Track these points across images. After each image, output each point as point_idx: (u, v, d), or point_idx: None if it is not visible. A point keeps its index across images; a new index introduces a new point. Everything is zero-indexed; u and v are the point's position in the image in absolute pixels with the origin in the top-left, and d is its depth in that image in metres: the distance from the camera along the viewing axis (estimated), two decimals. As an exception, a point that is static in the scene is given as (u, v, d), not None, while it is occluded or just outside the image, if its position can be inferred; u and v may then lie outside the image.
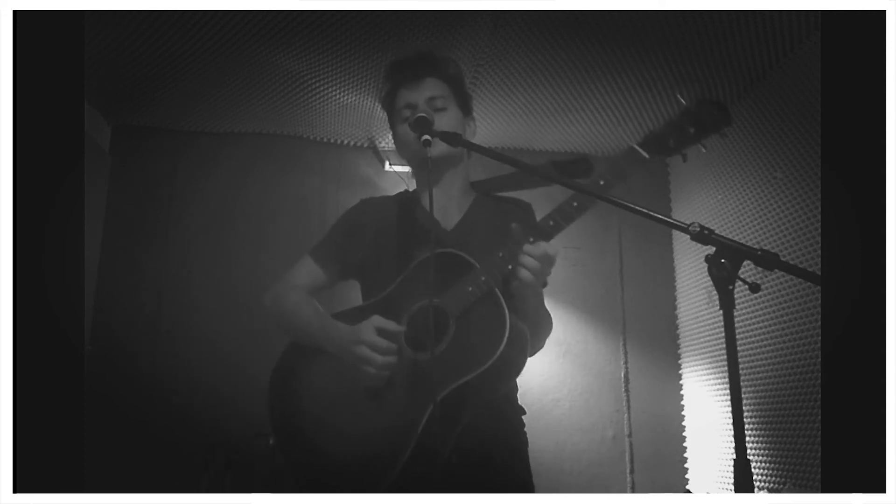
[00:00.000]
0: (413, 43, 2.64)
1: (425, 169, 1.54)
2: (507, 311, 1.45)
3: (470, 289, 1.48)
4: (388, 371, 1.48)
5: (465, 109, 1.77)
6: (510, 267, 1.46)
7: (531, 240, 1.46)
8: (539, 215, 1.56)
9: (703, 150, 1.42)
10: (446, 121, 1.66)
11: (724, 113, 1.38)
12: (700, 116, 1.38)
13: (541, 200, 1.63)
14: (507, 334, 1.43)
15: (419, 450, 1.41)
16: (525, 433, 1.73)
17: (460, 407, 1.47)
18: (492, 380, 1.49)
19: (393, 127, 1.80)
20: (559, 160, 1.59)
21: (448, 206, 1.73)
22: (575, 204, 1.47)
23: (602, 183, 1.46)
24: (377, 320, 1.50)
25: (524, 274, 1.44)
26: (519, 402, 1.74)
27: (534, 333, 1.62)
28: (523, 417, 1.73)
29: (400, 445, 1.42)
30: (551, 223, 1.48)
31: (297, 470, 1.53)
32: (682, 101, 1.41)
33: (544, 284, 1.60)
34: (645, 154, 1.42)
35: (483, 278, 1.47)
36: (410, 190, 1.87)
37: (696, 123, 1.38)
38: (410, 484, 1.41)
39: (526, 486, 1.68)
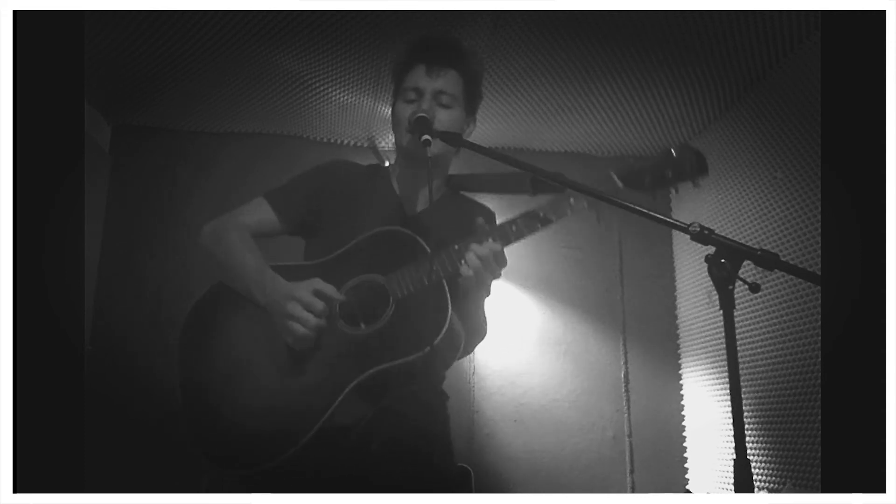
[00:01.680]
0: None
1: (424, 166, 1.52)
2: (449, 306, 1.43)
3: (417, 274, 1.47)
4: (315, 334, 1.44)
5: (470, 109, 1.74)
6: (461, 262, 1.45)
7: (489, 240, 1.46)
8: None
9: (675, 193, 1.49)
10: (446, 118, 1.63)
11: (702, 164, 1.42)
12: (680, 163, 1.42)
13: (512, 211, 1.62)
14: (445, 328, 1.41)
15: (330, 424, 1.39)
16: (447, 415, 1.68)
17: (380, 390, 1.46)
18: (418, 370, 1.47)
19: (394, 99, 1.74)
20: (537, 177, 1.58)
21: (418, 192, 1.71)
22: (542, 214, 1.48)
23: (571, 201, 1.47)
24: (316, 282, 1.46)
25: (464, 269, 1.43)
26: (443, 388, 1.70)
27: (467, 339, 1.60)
28: (446, 402, 1.68)
29: (311, 417, 1.39)
30: (514, 228, 1.48)
31: (195, 434, 1.48)
32: (673, 153, 1.44)
33: (487, 292, 1.58)
34: (620, 184, 1.46)
35: (434, 267, 1.46)
36: (384, 165, 1.84)
37: (675, 168, 1.43)
38: (314, 459, 1.39)
39: (448, 472, 1.63)
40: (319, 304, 1.44)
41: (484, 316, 1.66)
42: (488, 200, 1.81)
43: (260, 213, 1.67)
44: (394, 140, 1.74)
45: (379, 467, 1.47)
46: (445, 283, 1.46)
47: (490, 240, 1.46)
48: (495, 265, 1.45)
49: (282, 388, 1.46)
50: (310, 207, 1.68)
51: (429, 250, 1.48)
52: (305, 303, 1.44)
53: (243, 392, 1.47)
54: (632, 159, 1.50)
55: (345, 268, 1.54)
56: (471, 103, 1.73)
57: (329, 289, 1.47)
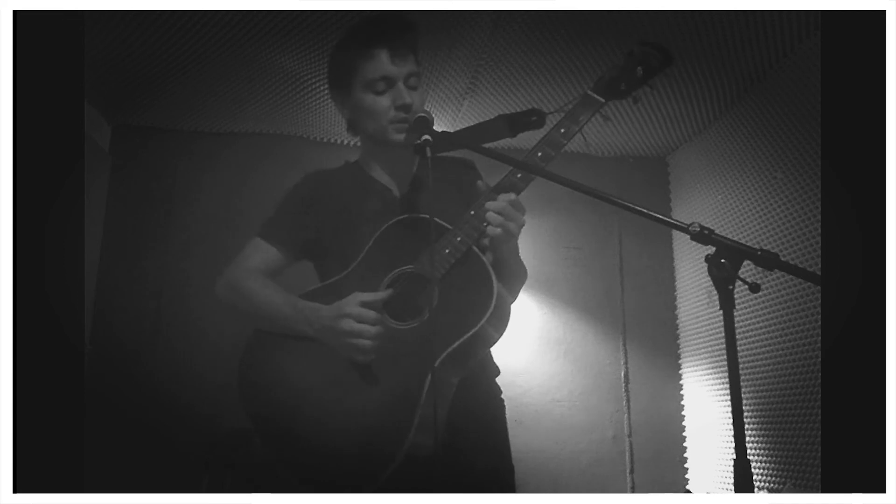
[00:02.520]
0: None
1: (425, 166, 1.51)
2: (491, 270, 1.43)
3: (447, 251, 1.45)
4: (377, 343, 1.42)
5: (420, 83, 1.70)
6: (484, 224, 1.44)
7: (518, 175, 1.46)
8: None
9: (650, 91, 1.55)
10: (418, 100, 1.60)
11: (666, 54, 1.51)
12: (646, 58, 1.50)
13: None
14: (495, 293, 1.41)
15: (422, 420, 1.36)
16: (502, 399, 1.68)
17: (452, 371, 1.44)
18: (482, 340, 1.45)
19: (352, 92, 1.62)
20: (511, 113, 1.58)
21: (395, 171, 1.70)
22: (539, 154, 1.48)
23: (563, 131, 1.50)
24: (357, 295, 1.44)
25: (490, 230, 1.43)
26: (494, 362, 1.70)
27: (509, 286, 1.58)
28: (498, 380, 1.68)
29: (404, 417, 1.36)
30: (518, 175, 1.47)
31: (292, 467, 1.46)
32: (636, 51, 1.52)
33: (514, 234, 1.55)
34: (601, 98, 1.51)
35: (458, 239, 1.44)
36: (352, 161, 1.80)
37: (643, 65, 1.50)
38: (415, 459, 1.35)
39: (504, 457, 1.62)
40: (371, 313, 1.42)
41: (520, 260, 1.66)
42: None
43: (262, 253, 1.65)
44: (361, 124, 1.67)
45: (452, 460, 1.45)
46: (477, 250, 1.46)
47: (501, 194, 1.46)
48: (517, 213, 1.45)
49: (357, 405, 1.43)
50: (303, 229, 1.66)
51: (446, 225, 1.47)
52: (357, 316, 1.42)
53: (317, 420, 1.45)
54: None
55: (372, 271, 1.52)
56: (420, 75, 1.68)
57: (372, 295, 1.45)
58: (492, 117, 1.51)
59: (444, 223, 1.48)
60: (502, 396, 1.67)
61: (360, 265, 1.54)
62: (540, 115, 1.45)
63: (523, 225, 1.48)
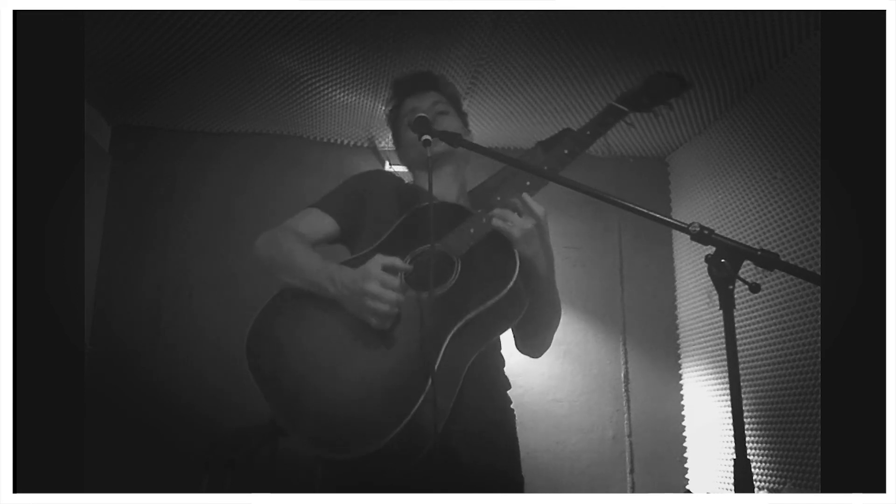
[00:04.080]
0: (413, 43, 2.64)
1: (425, 168, 1.54)
2: (516, 255, 1.47)
3: (472, 230, 1.50)
4: (396, 309, 1.43)
5: (464, 122, 1.86)
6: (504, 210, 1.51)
7: (527, 183, 1.52)
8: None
9: (667, 109, 1.70)
10: (448, 123, 1.73)
11: (682, 82, 1.68)
12: (666, 83, 1.67)
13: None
14: (517, 264, 1.45)
15: (436, 385, 1.35)
16: (512, 410, 1.71)
17: (469, 342, 1.46)
18: (498, 315, 1.48)
19: (397, 136, 1.87)
20: (544, 140, 1.67)
21: (445, 196, 1.74)
22: (566, 151, 1.56)
23: (588, 133, 1.59)
24: (382, 258, 1.46)
25: (496, 223, 1.47)
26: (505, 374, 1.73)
27: (538, 320, 1.65)
28: (509, 393, 1.71)
29: (417, 383, 1.36)
30: (528, 182, 1.53)
31: (297, 425, 1.42)
32: (658, 76, 1.70)
33: (550, 266, 1.59)
34: (625, 108, 1.63)
35: (483, 219, 1.50)
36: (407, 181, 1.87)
37: (665, 88, 1.67)
38: (425, 425, 1.35)
39: (514, 463, 1.71)
40: (395, 280, 1.43)
41: (556, 296, 1.68)
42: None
43: (314, 219, 1.68)
44: (403, 159, 1.88)
45: (457, 459, 1.48)
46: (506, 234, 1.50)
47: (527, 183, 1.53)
48: (528, 208, 1.49)
49: (376, 368, 1.43)
50: (358, 209, 1.70)
51: (472, 210, 1.54)
52: (380, 279, 1.42)
53: (337, 381, 1.43)
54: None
55: (399, 245, 1.55)
56: (462, 116, 1.86)
57: (396, 260, 1.47)
58: (529, 147, 1.63)
59: (469, 208, 1.56)
60: (512, 407, 1.70)
61: (388, 240, 1.59)
62: (568, 134, 1.57)
63: (542, 222, 1.51)
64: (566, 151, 1.56)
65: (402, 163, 1.90)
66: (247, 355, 1.51)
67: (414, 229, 1.57)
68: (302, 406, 1.43)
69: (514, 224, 1.47)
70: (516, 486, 1.66)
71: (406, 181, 1.85)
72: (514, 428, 1.70)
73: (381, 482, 1.41)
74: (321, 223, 1.68)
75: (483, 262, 1.48)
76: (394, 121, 1.89)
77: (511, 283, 1.43)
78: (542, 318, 1.66)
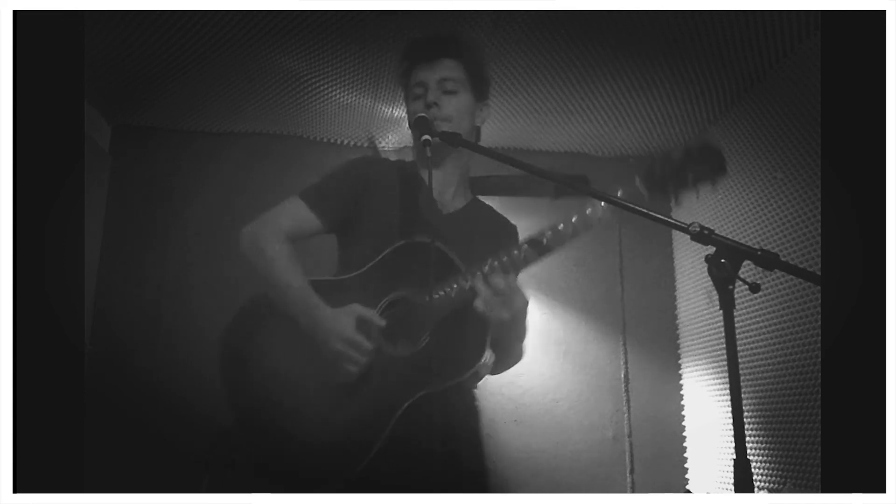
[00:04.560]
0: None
1: (425, 167, 1.53)
2: (487, 338, 1.46)
3: (453, 295, 1.48)
4: (363, 371, 1.46)
5: (479, 94, 1.75)
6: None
7: (523, 255, 1.47)
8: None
9: (696, 198, 1.49)
10: (454, 104, 1.65)
11: (721, 163, 1.43)
12: (700, 164, 1.42)
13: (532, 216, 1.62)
14: (486, 351, 1.46)
15: (384, 445, 1.42)
16: (477, 408, 1.71)
17: (428, 407, 1.47)
18: (456, 388, 1.50)
19: (406, 103, 1.78)
20: (562, 178, 1.59)
21: (446, 191, 1.72)
22: (573, 224, 1.48)
23: (599, 217, 1.48)
24: (358, 309, 1.46)
25: (479, 306, 1.43)
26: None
27: (499, 358, 1.64)
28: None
29: (368, 438, 1.42)
30: (524, 255, 1.48)
31: (260, 453, 1.49)
32: (694, 153, 1.42)
33: (523, 328, 1.59)
34: (646, 193, 1.46)
35: (468, 287, 1.46)
36: (408, 161, 1.84)
37: (696, 171, 1.44)
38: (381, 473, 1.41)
39: (480, 472, 1.68)
40: (365, 344, 1.45)
41: (520, 348, 1.67)
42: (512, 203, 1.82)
43: (298, 214, 1.63)
44: (395, 140, 1.76)
45: (387, 465, 1.48)
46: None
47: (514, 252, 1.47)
48: (510, 298, 1.44)
49: (332, 416, 1.47)
50: (347, 203, 1.66)
51: (460, 267, 1.49)
52: (352, 342, 1.44)
53: (296, 417, 1.48)
54: (653, 161, 1.46)
55: (379, 280, 1.54)
56: (478, 87, 1.74)
57: (370, 314, 1.47)
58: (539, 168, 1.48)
59: (457, 261, 1.50)
60: (476, 405, 1.70)
61: (369, 271, 1.55)
62: (586, 183, 1.43)
63: (519, 309, 1.47)
64: (573, 224, 1.48)
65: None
66: (221, 359, 1.54)
67: (399, 265, 1.54)
68: (264, 434, 1.48)
69: (493, 311, 1.43)
70: (478, 475, 1.66)
71: (407, 160, 1.82)
72: (478, 426, 1.69)
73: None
74: (305, 220, 1.64)
75: (455, 332, 1.48)
76: (404, 88, 1.79)
77: (473, 370, 1.44)
78: (503, 364, 1.68)
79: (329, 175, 1.71)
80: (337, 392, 1.48)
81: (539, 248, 1.47)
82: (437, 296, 1.48)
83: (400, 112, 3.23)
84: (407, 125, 1.75)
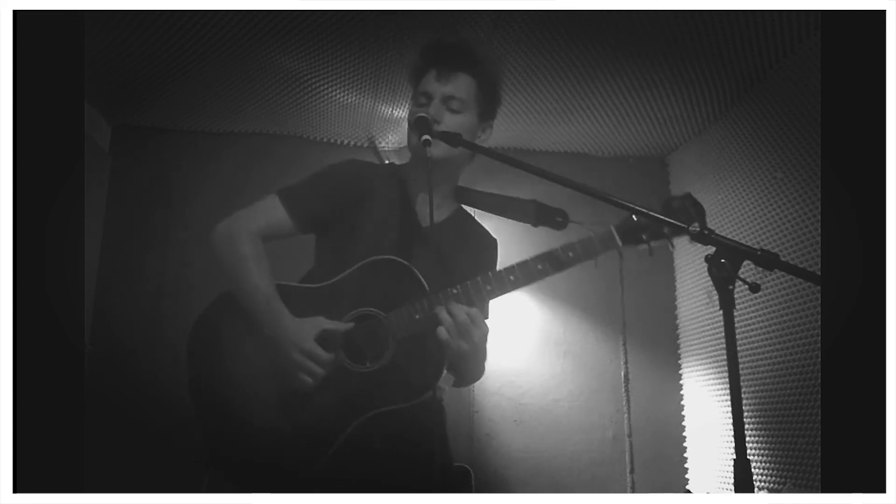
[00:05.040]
0: (413, 43, 2.64)
1: (425, 168, 1.52)
2: (445, 357, 1.47)
3: (417, 316, 1.49)
4: (318, 382, 1.48)
5: (485, 115, 1.70)
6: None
7: (488, 287, 1.47)
8: (514, 251, 1.57)
9: (672, 248, 1.47)
10: (455, 123, 1.61)
11: (701, 215, 1.34)
12: (678, 216, 1.33)
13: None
14: (440, 376, 1.49)
15: (339, 452, 1.46)
16: (443, 408, 1.71)
17: (374, 427, 1.49)
18: (411, 408, 1.51)
19: (411, 102, 1.75)
20: (544, 205, 1.60)
21: (426, 200, 1.69)
22: (539, 267, 1.53)
23: (571, 255, 1.55)
24: (321, 322, 1.49)
25: (442, 335, 1.42)
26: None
27: (459, 374, 1.65)
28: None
29: (319, 448, 1.46)
30: (489, 287, 1.48)
31: (216, 441, 1.56)
32: (673, 205, 1.37)
33: (482, 354, 1.57)
34: (619, 242, 1.48)
35: (431, 311, 1.46)
36: (397, 164, 1.83)
37: (671, 224, 1.34)
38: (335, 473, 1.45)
39: (447, 469, 1.68)
40: (325, 356, 1.47)
41: (481, 369, 1.67)
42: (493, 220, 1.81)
43: (273, 214, 1.62)
44: (395, 140, 1.76)
45: (380, 465, 1.51)
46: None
47: (488, 287, 1.47)
48: (471, 329, 1.42)
49: (286, 418, 1.50)
50: (324, 206, 1.65)
51: (426, 287, 1.50)
52: (310, 354, 1.46)
53: (250, 412, 1.52)
54: (632, 216, 1.46)
55: (346, 294, 1.55)
56: (486, 108, 1.69)
57: (333, 327, 1.49)
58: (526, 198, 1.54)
59: (425, 284, 1.50)
60: (444, 404, 1.70)
61: (338, 284, 1.56)
62: (565, 218, 1.44)
63: (482, 338, 1.46)
64: (539, 267, 1.52)
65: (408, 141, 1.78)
66: (187, 362, 1.59)
67: (369, 280, 1.54)
68: (219, 430, 1.55)
69: (453, 341, 1.42)
70: (449, 471, 1.68)
71: (387, 161, 1.81)
72: (443, 422, 1.69)
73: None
74: (280, 219, 1.62)
75: (414, 354, 1.50)
76: (413, 85, 1.74)
77: (426, 395, 1.47)
78: (462, 382, 1.68)
79: (310, 176, 1.69)
80: (290, 400, 1.50)
81: (503, 283, 1.48)
82: (402, 317, 1.49)
83: (400, 112, 3.23)
84: (407, 125, 1.73)
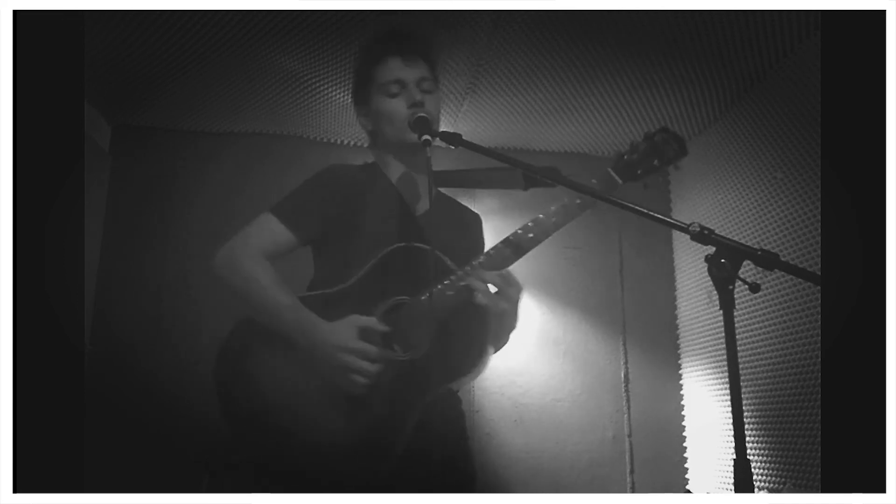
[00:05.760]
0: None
1: (424, 165, 1.52)
2: (488, 330, 1.47)
3: (449, 293, 1.47)
4: (374, 381, 1.44)
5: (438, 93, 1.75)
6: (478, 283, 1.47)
7: (508, 251, 1.48)
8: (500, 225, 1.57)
9: (661, 178, 1.58)
10: (433, 104, 1.65)
11: (682, 146, 1.53)
12: (664, 149, 1.53)
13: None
14: (489, 344, 1.47)
15: (409, 447, 1.42)
16: (463, 413, 1.71)
17: (429, 408, 1.48)
18: (460, 385, 1.52)
19: (371, 100, 1.71)
20: (531, 166, 1.61)
21: (414, 190, 1.71)
22: (553, 220, 1.50)
23: (578, 202, 1.50)
24: (358, 320, 1.45)
25: (480, 300, 1.43)
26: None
27: (495, 338, 1.62)
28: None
29: (391, 441, 1.41)
30: (509, 249, 1.49)
31: (276, 466, 1.46)
32: (656, 140, 1.52)
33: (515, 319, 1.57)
34: (619, 180, 1.53)
35: (462, 284, 1.46)
36: (370, 162, 1.81)
37: (660, 156, 1.53)
38: (402, 478, 1.41)
39: (469, 473, 1.65)
40: (372, 350, 1.43)
41: (516, 322, 1.65)
42: (484, 195, 1.82)
43: (273, 232, 1.60)
44: (381, 129, 1.72)
45: (405, 472, 1.46)
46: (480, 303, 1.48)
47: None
48: (509, 290, 1.45)
49: (344, 427, 1.45)
50: (322, 214, 1.62)
51: (451, 265, 1.50)
52: (359, 351, 1.42)
53: (305, 430, 1.45)
54: (620, 153, 1.55)
55: (371, 289, 1.52)
56: (437, 84, 1.75)
57: (372, 322, 1.46)
58: (509, 165, 1.51)
59: (448, 261, 1.50)
60: (462, 408, 1.69)
61: (361, 280, 1.53)
62: (556, 177, 1.46)
63: (518, 294, 1.48)
64: (553, 220, 1.51)
65: (372, 140, 1.77)
66: (219, 397, 1.50)
67: (391, 271, 1.52)
68: (276, 447, 1.45)
69: (494, 303, 1.44)
70: (470, 477, 1.64)
71: (367, 161, 1.78)
72: (464, 427, 1.69)
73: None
74: (281, 236, 1.60)
75: (457, 330, 1.48)
76: (365, 81, 1.71)
77: (480, 364, 1.45)
78: (500, 343, 1.67)
79: (300, 188, 1.67)
80: (346, 406, 1.45)
81: (523, 242, 1.49)
82: (434, 297, 1.47)
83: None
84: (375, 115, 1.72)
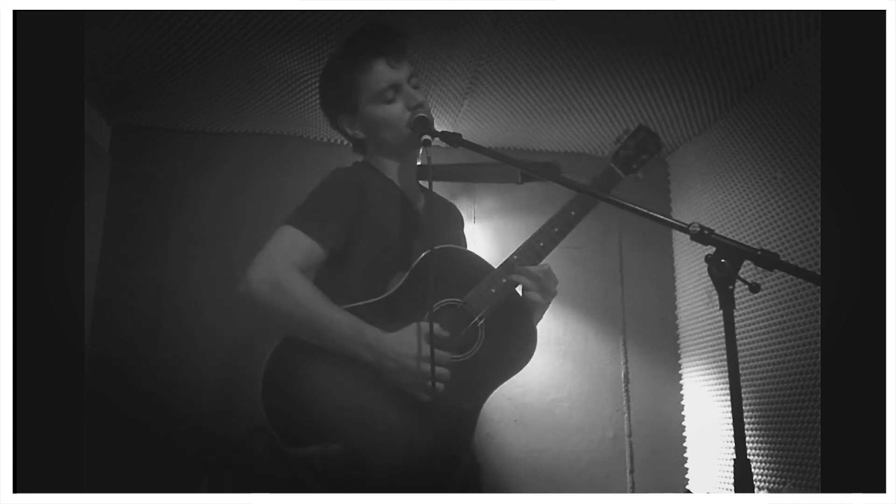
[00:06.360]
0: (413, 43, 2.64)
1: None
2: (532, 315, 1.56)
3: (493, 290, 1.51)
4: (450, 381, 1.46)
5: None
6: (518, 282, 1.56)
7: (540, 244, 1.59)
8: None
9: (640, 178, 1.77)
10: (423, 97, 1.68)
11: (658, 141, 1.74)
12: (647, 144, 1.72)
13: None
14: (536, 337, 1.57)
15: (473, 452, 1.48)
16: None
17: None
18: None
19: (359, 110, 1.69)
20: (529, 164, 1.70)
21: (412, 188, 1.74)
22: (573, 213, 1.65)
23: (574, 214, 1.66)
24: (421, 326, 1.45)
25: (532, 296, 1.54)
26: None
27: None
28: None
29: (461, 444, 1.46)
30: (541, 244, 1.60)
31: (350, 482, 1.40)
32: (641, 135, 1.73)
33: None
34: (621, 174, 1.71)
35: (504, 280, 1.50)
36: (361, 160, 1.81)
37: (647, 151, 1.73)
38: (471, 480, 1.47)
39: (474, 472, 1.70)
40: (445, 354, 1.46)
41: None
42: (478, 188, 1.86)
43: (301, 246, 1.52)
44: (379, 135, 1.73)
45: (438, 481, 1.46)
46: (519, 292, 1.56)
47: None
48: (550, 284, 1.58)
49: (417, 436, 1.45)
50: (343, 225, 1.58)
51: (487, 263, 1.56)
52: (434, 359, 1.40)
53: (382, 446, 1.43)
54: (621, 150, 1.70)
55: (414, 294, 1.51)
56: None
57: (435, 328, 1.46)
58: (504, 159, 1.55)
59: (486, 261, 1.57)
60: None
61: (403, 286, 1.52)
62: (552, 174, 1.55)
63: (555, 294, 1.61)
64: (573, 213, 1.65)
65: (358, 147, 1.76)
66: (269, 419, 1.42)
67: (428, 274, 1.50)
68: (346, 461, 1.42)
69: (542, 296, 1.56)
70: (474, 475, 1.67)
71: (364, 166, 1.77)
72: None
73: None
74: (311, 250, 1.53)
75: (504, 327, 1.54)
76: (354, 87, 1.67)
77: (531, 356, 1.56)
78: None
79: (316, 198, 1.60)
80: (415, 417, 1.45)
81: (550, 237, 1.62)
82: (479, 295, 1.53)
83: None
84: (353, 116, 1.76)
